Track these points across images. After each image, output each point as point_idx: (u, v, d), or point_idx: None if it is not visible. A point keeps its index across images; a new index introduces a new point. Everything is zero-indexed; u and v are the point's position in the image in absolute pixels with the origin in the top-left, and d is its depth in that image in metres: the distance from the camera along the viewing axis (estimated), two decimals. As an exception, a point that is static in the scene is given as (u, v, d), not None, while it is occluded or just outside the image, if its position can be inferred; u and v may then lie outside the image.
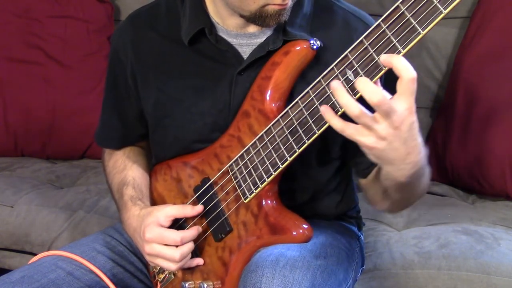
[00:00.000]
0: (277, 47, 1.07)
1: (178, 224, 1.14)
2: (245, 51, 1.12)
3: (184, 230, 1.10)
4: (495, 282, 1.33)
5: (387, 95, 0.86)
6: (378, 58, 0.88)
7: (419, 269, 1.37)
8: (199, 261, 1.12)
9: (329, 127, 0.96)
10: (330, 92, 0.94)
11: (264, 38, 1.11)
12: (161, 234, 1.08)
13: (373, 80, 0.88)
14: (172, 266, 1.09)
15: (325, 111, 0.91)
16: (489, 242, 1.42)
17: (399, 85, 0.84)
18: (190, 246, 1.09)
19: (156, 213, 1.10)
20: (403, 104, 0.84)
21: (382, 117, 0.85)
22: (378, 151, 0.89)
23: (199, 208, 1.11)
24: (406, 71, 0.84)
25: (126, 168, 1.28)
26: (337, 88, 0.87)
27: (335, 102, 0.93)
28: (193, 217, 1.13)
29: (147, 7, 1.24)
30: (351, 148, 1.12)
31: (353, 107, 0.86)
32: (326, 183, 1.21)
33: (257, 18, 1.04)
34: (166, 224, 1.09)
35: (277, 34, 1.08)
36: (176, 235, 1.07)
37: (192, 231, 1.09)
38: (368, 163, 1.10)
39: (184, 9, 1.16)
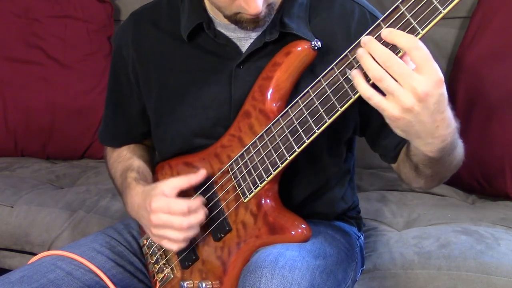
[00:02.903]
0: (273, 38, 1.09)
1: None
2: (244, 45, 1.13)
3: (189, 199, 1.08)
4: (495, 282, 1.32)
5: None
6: None
7: (419, 269, 1.37)
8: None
9: (329, 127, 0.96)
10: (330, 92, 0.94)
11: (262, 31, 1.11)
12: (168, 203, 1.06)
13: (370, 82, 0.88)
14: (179, 236, 1.06)
15: (355, 75, 0.89)
16: (489, 242, 1.41)
17: (411, 58, 0.84)
18: (198, 216, 1.07)
19: (161, 186, 1.10)
20: (424, 74, 0.83)
21: (403, 82, 0.84)
22: (404, 123, 0.87)
23: (203, 173, 1.10)
24: (404, 40, 0.84)
25: (132, 158, 1.29)
26: (362, 55, 0.87)
27: (333, 101, 0.94)
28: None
29: (149, 4, 1.25)
30: (374, 130, 1.13)
31: (375, 69, 0.85)
32: (329, 178, 1.21)
33: (234, 21, 1.06)
34: (172, 195, 1.08)
35: (274, 26, 1.09)
36: (182, 203, 1.06)
37: (197, 201, 1.08)
38: (394, 144, 1.11)
39: (183, 4, 1.17)
